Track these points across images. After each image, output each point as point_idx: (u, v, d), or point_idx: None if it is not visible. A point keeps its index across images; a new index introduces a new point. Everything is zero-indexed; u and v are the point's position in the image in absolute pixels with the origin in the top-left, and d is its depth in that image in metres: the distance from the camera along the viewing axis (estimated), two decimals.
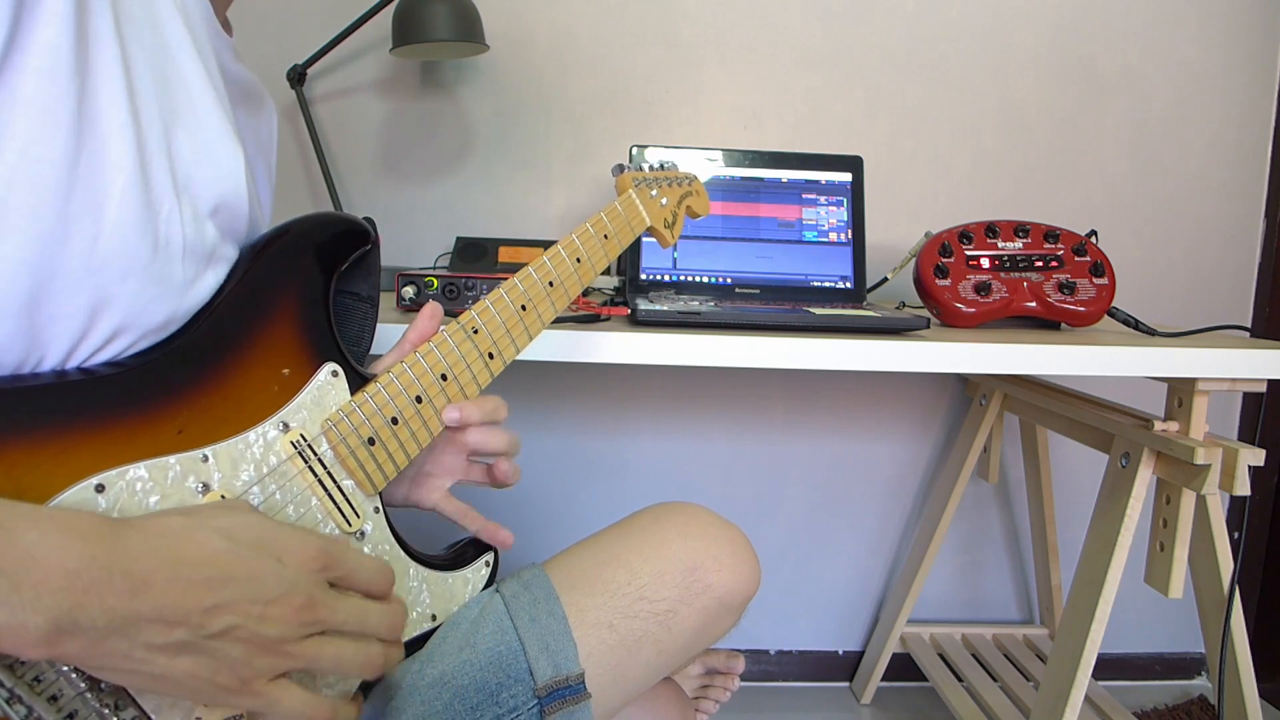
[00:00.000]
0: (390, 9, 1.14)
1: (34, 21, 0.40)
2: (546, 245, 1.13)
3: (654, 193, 0.81)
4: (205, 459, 0.48)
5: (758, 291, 1.10)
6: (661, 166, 0.86)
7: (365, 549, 0.57)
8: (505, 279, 0.66)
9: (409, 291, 0.88)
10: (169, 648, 0.39)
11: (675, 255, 1.10)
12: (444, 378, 0.61)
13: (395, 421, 0.58)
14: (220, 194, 0.52)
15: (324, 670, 0.45)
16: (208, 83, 0.53)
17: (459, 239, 1.17)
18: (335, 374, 0.56)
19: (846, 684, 1.51)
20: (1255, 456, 0.89)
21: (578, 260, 0.71)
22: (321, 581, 0.44)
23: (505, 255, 1.14)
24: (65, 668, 0.40)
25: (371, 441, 0.56)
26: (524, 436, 1.39)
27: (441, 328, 0.62)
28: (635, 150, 1.12)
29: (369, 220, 0.60)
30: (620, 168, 0.81)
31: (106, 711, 0.42)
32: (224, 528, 0.42)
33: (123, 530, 0.39)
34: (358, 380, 0.57)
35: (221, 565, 0.40)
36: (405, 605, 0.50)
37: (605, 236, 0.74)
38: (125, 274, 0.45)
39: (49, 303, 0.43)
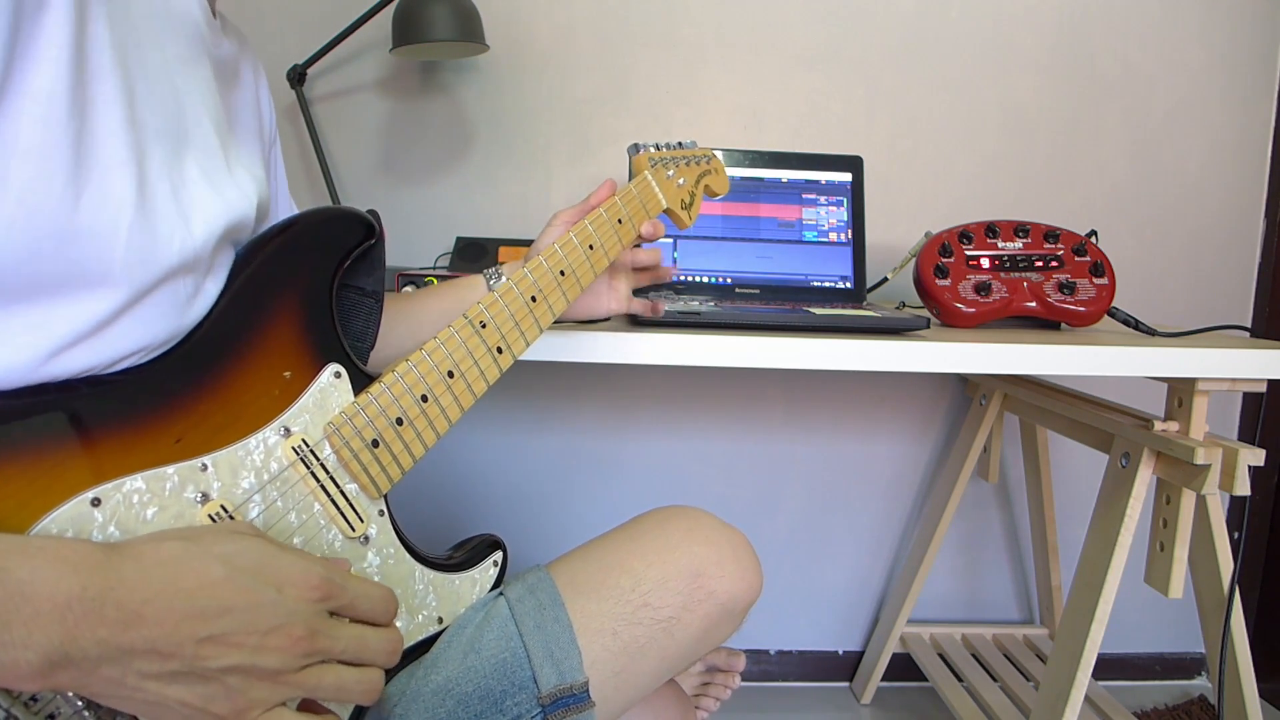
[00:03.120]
0: (390, 9, 1.14)
1: (27, 68, 0.39)
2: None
3: (670, 173, 0.78)
4: (204, 468, 0.47)
5: (758, 291, 1.10)
6: (680, 145, 0.83)
7: (370, 553, 0.56)
8: (504, 281, 0.65)
9: (409, 291, 0.88)
10: (163, 677, 0.38)
11: (675, 255, 1.10)
12: (450, 375, 0.59)
13: (400, 422, 0.56)
14: (229, 222, 0.51)
15: (325, 698, 0.45)
16: (211, 123, 0.52)
17: (459, 239, 1.17)
18: (338, 375, 0.54)
19: (846, 684, 1.51)
20: (1255, 456, 0.89)
21: (590, 247, 0.68)
22: (322, 611, 0.43)
23: (505, 255, 1.14)
24: None
25: (375, 444, 0.55)
26: (524, 436, 1.39)
27: (449, 324, 0.61)
28: (634, 147, 1.11)
29: (373, 213, 0.58)
30: (636, 147, 0.78)
31: None
32: (223, 554, 0.41)
33: (116, 559, 0.38)
34: (361, 379, 0.55)
35: (218, 594, 0.39)
36: (400, 634, 0.49)
37: (619, 221, 0.71)
38: (132, 301, 0.44)
39: (65, 349, 0.42)
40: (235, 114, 0.61)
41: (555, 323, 0.70)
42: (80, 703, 0.40)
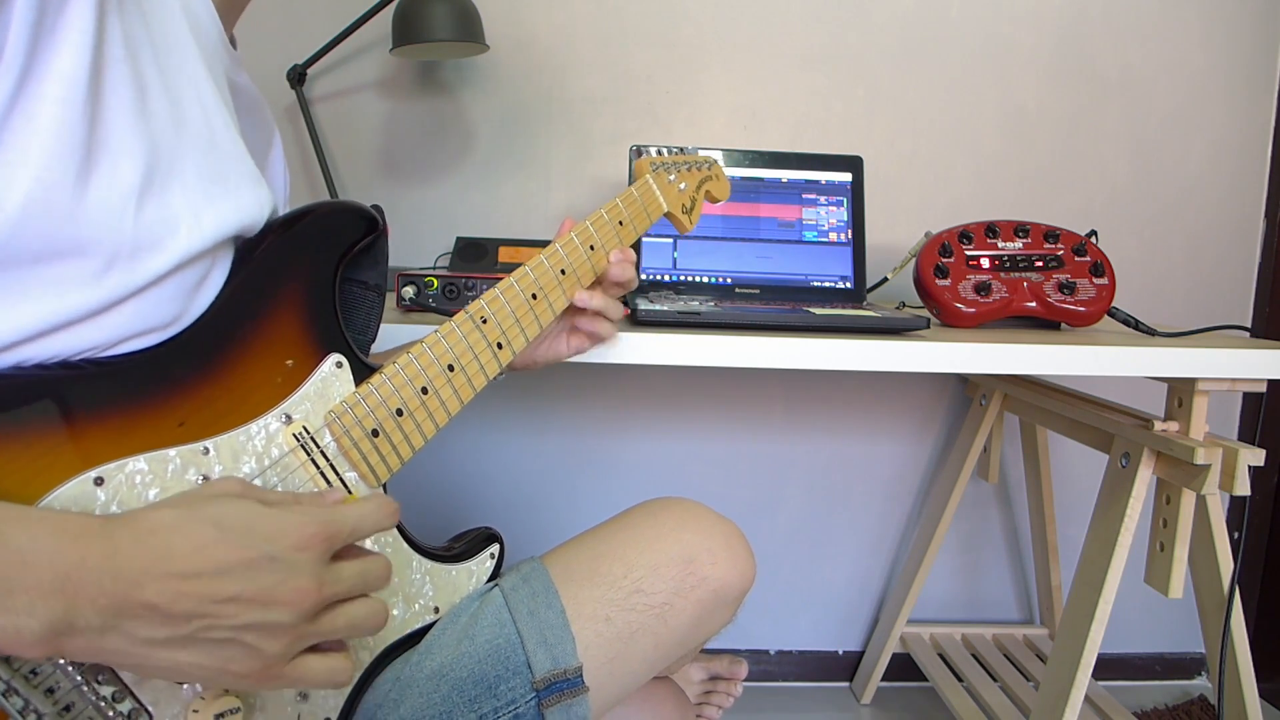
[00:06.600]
0: (390, 9, 1.14)
1: (51, 52, 0.40)
2: (547, 245, 1.13)
3: (672, 177, 0.79)
4: (206, 451, 0.48)
5: (758, 291, 1.10)
6: (682, 150, 0.84)
7: (368, 543, 0.57)
8: (505, 279, 0.66)
9: (409, 291, 0.88)
10: (171, 643, 0.39)
11: (675, 255, 1.10)
12: (450, 368, 0.60)
13: (400, 413, 0.57)
14: (240, 224, 0.52)
15: (340, 637, 0.46)
16: (229, 119, 0.53)
17: (459, 239, 1.17)
18: (340, 365, 0.55)
19: (846, 684, 1.51)
20: (1255, 456, 0.89)
21: (591, 248, 0.70)
22: (325, 558, 0.44)
23: (505, 255, 1.14)
24: (62, 661, 0.40)
25: (375, 433, 0.56)
26: (524, 435, 1.39)
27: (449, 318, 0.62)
28: (635, 150, 1.11)
29: (377, 208, 0.59)
30: (638, 150, 0.79)
31: (103, 705, 0.42)
32: (213, 517, 0.41)
33: (113, 529, 0.38)
34: (363, 370, 0.56)
35: (213, 556, 0.39)
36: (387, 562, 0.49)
37: (620, 223, 0.72)
38: (135, 286, 0.45)
39: (65, 326, 0.43)
40: (250, 142, 0.63)
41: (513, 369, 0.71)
42: (79, 677, 0.41)
